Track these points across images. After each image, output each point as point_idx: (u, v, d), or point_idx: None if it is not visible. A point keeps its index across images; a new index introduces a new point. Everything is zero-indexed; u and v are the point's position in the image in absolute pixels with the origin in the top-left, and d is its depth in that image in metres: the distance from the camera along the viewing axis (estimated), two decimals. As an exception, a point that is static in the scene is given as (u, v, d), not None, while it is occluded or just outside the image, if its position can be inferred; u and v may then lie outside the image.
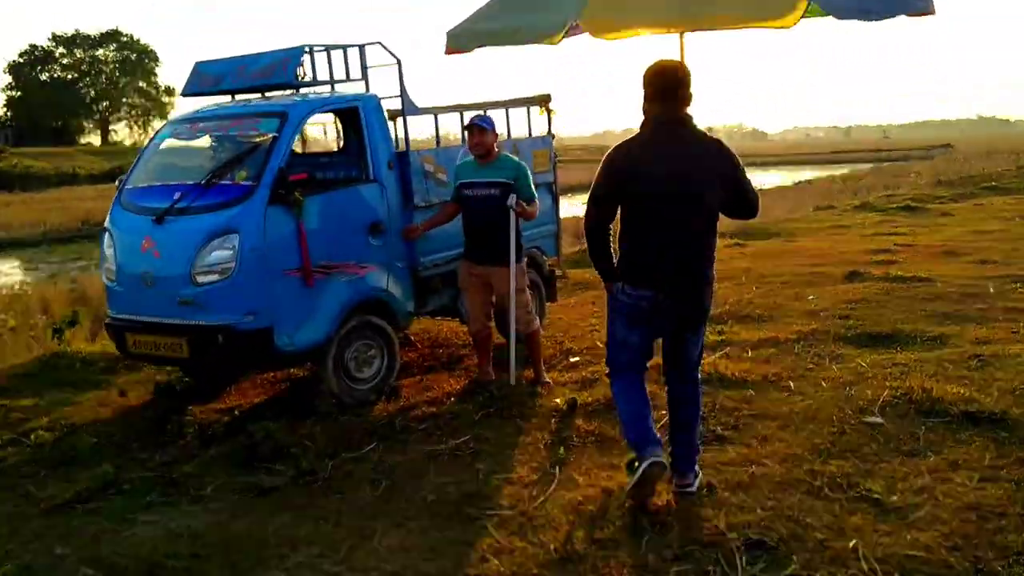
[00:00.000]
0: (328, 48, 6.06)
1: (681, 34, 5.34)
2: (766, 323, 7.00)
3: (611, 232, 3.86)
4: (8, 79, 66.70)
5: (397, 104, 6.11)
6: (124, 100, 72.51)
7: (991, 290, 7.74)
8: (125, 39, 71.36)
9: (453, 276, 6.16)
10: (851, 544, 3.32)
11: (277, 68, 5.78)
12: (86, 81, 69.64)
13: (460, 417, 5.02)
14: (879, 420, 4.58)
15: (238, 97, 6.27)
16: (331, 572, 3.42)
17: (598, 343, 6.57)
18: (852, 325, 6.67)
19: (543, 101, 7.24)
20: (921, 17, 4.91)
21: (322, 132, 7.45)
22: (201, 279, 5.05)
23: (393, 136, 6.23)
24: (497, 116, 6.23)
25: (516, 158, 5.74)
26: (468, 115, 6.51)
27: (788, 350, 6.10)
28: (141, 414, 5.61)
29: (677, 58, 5.21)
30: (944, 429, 4.42)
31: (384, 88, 6.07)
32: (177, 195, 5.28)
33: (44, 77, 67.91)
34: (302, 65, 5.91)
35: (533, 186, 5.62)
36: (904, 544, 3.32)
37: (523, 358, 5.72)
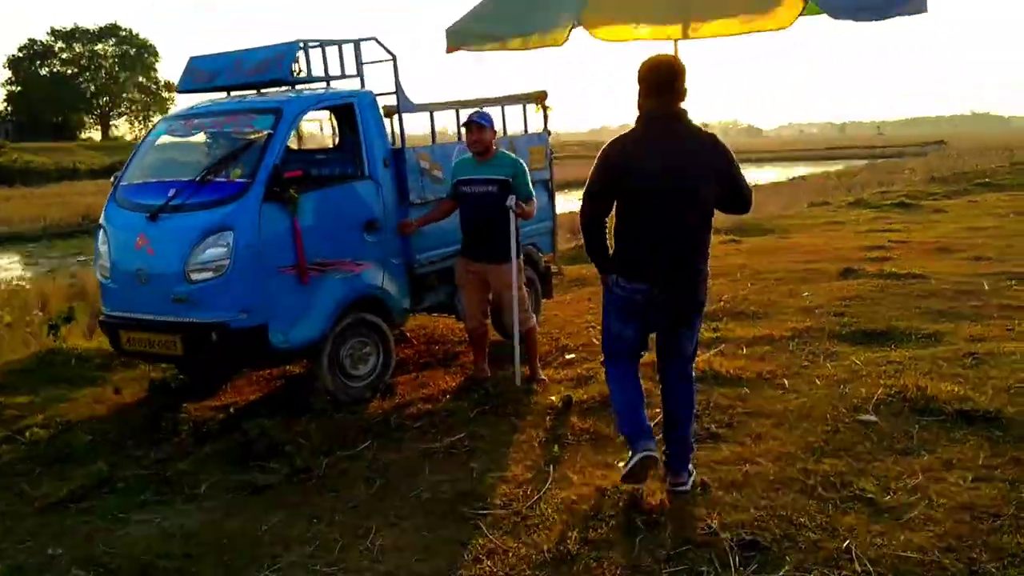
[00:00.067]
0: (323, 44, 6.04)
1: (675, 43, 5.36)
2: (761, 320, 7.00)
3: (607, 226, 3.86)
4: (8, 74, 66.60)
5: (393, 100, 6.10)
6: (124, 95, 72.28)
7: (985, 287, 7.75)
8: (124, 34, 71.12)
9: (449, 273, 6.16)
10: (844, 545, 3.32)
11: (272, 64, 5.76)
12: (86, 76, 69.39)
13: (455, 415, 5.02)
14: (873, 418, 4.58)
15: (234, 93, 6.25)
16: (324, 572, 3.42)
17: (594, 340, 6.57)
18: (846, 322, 6.68)
19: (539, 98, 7.23)
20: (914, 15, 4.90)
21: (318, 129, 7.43)
22: (195, 276, 5.04)
23: (389, 133, 6.22)
24: (493, 113, 6.22)
25: (514, 156, 5.73)
26: (464, 112, 6.51)
27: (783, 347, 6.10)
28: (136, 411, 5.61)
29: (672, 53, 5.20)
30: (938, 428, 4.43)
31: (380, 84, 6.06)
32: (172, 192, 5.27)
33: (44, 72, 67.65)
34: (297, 61, 5.91)
35: (531, 183, 5.61)
36: (898, 545, 3.32)
37: (519, 355, 5.71)
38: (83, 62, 68.96)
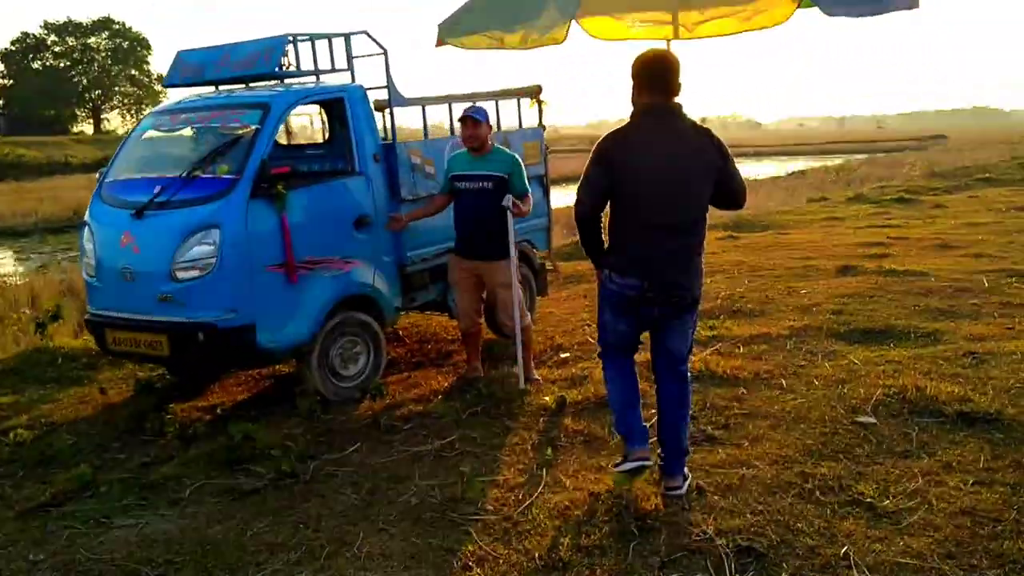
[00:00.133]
0: (312, 38, 5.94)
1: (668, 42, 5.33)
2: (758, 318, 6.91)
3: (602, 221, 3.82)
4: (0, 67, 66.16)
5: (384, 95, 6.00)
6: (116, 89, 71.93)
7: (985, 284, 7.66)
8: (117, 27, 70.76)
9: (441, 271, 6.07)
10: (842, 551, 3.24)
11: (260, 58, 5.66)
12: (78, 69, 69.00)
13: (446, 416, 4.94)
14: (872, 420, 4.50)
15: (223, 87, 6.14)
16: (309, 580, 3.33)
17: (589, 338, 6.49)
18: (845, 320, 6.59)
19: (534, 92, 7.13)
20: (908, 11, 4.84)
21: (308, 123, 7.33)
22: (181, 275, 4.95)
23: (380, 128, 6.12)
24: (487, 108, 6.13)
25: (510, 151, 5.63)
26: (457, 106, 6.41)
27: (780, 346, 6.01)
28: (122, 412, 5.51)
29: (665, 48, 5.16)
30: (938, 429, 4.35)
31: (371, 79, 5.96)
32: (157, 189, 5.17)
33: (36, 66, 67.34)
34: (286, 55, 5.80)
35: (526, 180, 5.52)
36: (896, 551, 3.24)
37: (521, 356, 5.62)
38: (76, 55, 68.54)
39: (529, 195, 5.52)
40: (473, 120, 5.36)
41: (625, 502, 3.69)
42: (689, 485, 3.83)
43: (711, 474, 3.98)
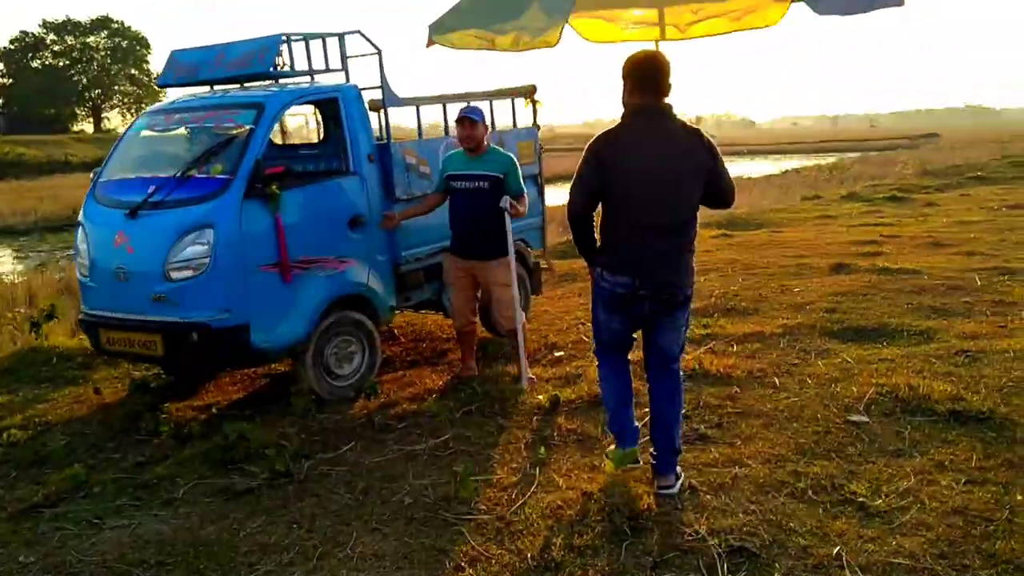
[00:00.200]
0: (307, 37, 5.93)
1: (656, 43, 5.37)
2: (751, 316, 6.93)
3: (594, 220, 3.86)
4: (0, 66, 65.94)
5: (378, 95, 5.99)
6: (116, 88, 71.73)
7: (978, 283, 7.69)
8: (116, 26, 70.55)
9: (436, 270, 6.07)
10: (835, 551, 3.26)
11: (254, 58, 5.65)
12: (78, 68, 68.77)
13: (441, 415, 4.94)
14: (864, 419, 4.52)
15: (217, 87, 6.13)
16: (302, 581, 3.34)
17: (584, 337, 6.50)
18: (838, 319, 6.60)
19: (528, 92, 7.13)
20: (897, 7, 4.87)
21: (304, 123, 7.32)
22: (175, 275, 4.94)
23: (375, 128, 6.11)
24: (481, 107, 6.12)
25: (506, 152, 5.64)
26: (451, 106, 6.42)
27: (773, 344, 6.03)
28: (116, 411, 5.50)
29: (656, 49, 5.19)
30: (930, 428, 4.36)
31: (365, 79, 5.95)
32: (151, 188, 5.16)
33: (36, 64, 67.12)
34: (280, 55, 5.79)
35: (522, 180, 5.53)
36: (889, 551, 3.25)
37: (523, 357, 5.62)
38: (75, 54, 68.36)
39: (525, 195, 5.53)
40: (470, 120, 5.37)
41: (618, 502, 3.69)
42: (682, 484, 3.84)
43: (704, 473, 3.99)
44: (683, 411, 4.13)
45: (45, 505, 4.15)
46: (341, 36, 5.90)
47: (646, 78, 3.63)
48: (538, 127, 7.31)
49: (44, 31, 67.67)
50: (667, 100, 3.67)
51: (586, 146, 3.75)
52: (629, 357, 4.04)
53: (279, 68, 5.80)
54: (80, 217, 5.57)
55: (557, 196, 12.14)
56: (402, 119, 6.51)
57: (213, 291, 4.92)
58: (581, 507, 3.72)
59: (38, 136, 51.68)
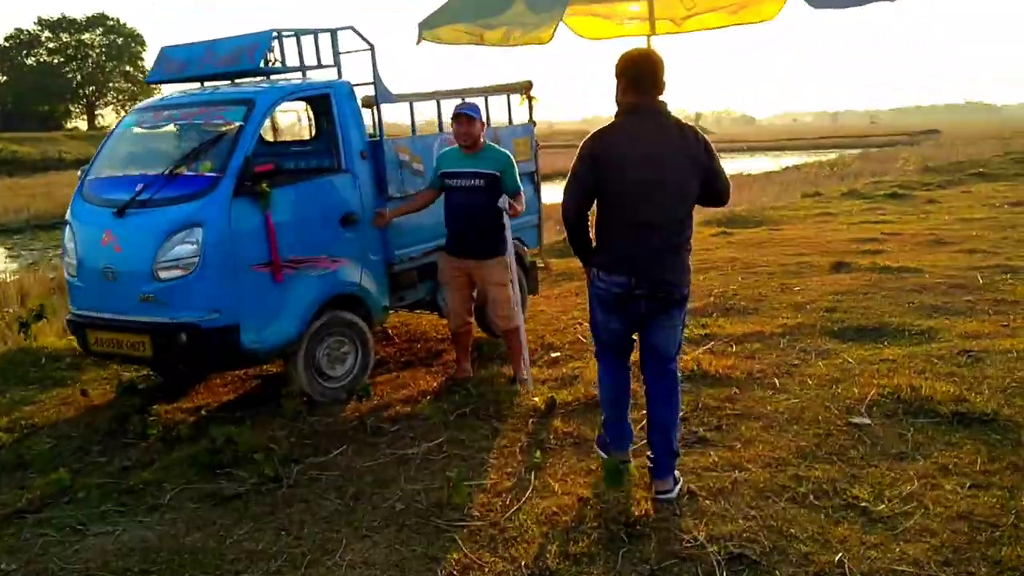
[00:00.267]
0: (298, 33, 5.83)
1: (649, 38, 5.31)
2: (751, 316, 6.84)
3: (589, 220, 3.81)
4: (-6, 63, 65.85)
5: (371, 91, 5.90)
6: (111, 85, 71.62)
7: (980, 281, 7.59)
8: (111, 23, 70.43)
9: (430, 269, 5.98)
10: (836, 558, 3.17)
11: (244, 54, 5.54)
12: (72, 66, 68.68)
13: (434, 418, 4.84)
14: (866, 421, 4.43)
15: (208, 83, 6.04)
16: (289, 590, 3.25)
17: (580, 337, 6.41)
18: (839, 318, 6.51)
19: (524, 88, 7.03)
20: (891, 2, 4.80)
21: (296, 120, 7.22)
22: (163, 274, 4.84)
23: (369, 124, 6.01)
24: (477, 104, 6.03)
25: (503, 149, 5.54)
26: (445, 103, 6.32)
27: (773, 345, 5.94)
28: (104, 414, 5.41)
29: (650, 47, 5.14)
30: (933, 430, 4.28)
31: (358, 75, 5.86)
32: (139, 187, 5.06)
33: (30, 62, 67.01)
34: (271, 50, 5.70)
35: (518, 177, 5.43)
36: (892, 558, 3.17)
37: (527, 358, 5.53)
38: (70, 52, 68.26)
39: (522, 193, 5.44)
40: (467, 117, 5.27)
41: (614, 508, 3.60)
42: (680, 489, 3.76)
43: (702, 477, 3.91)
44: (681, 413, 4.06)
45: (28, 510, 4.06)
46: (333, 32, 5.80)
47: (640, 76, 3.60)
48: (534, 123, 7.21)
49: (39, 28, 67.61)
50: (661, 98, 3.64)
51: (581, 144, 3.71)
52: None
53: (270, 64, 5.70)
54: (68, 216, 5.47)
55: (555, 194, 12.05)
56: (397, 116, 6.43)
57: (202, 291, 4.82)
58: (577, 513, 3.63)
59: (32, 133, 51.67)
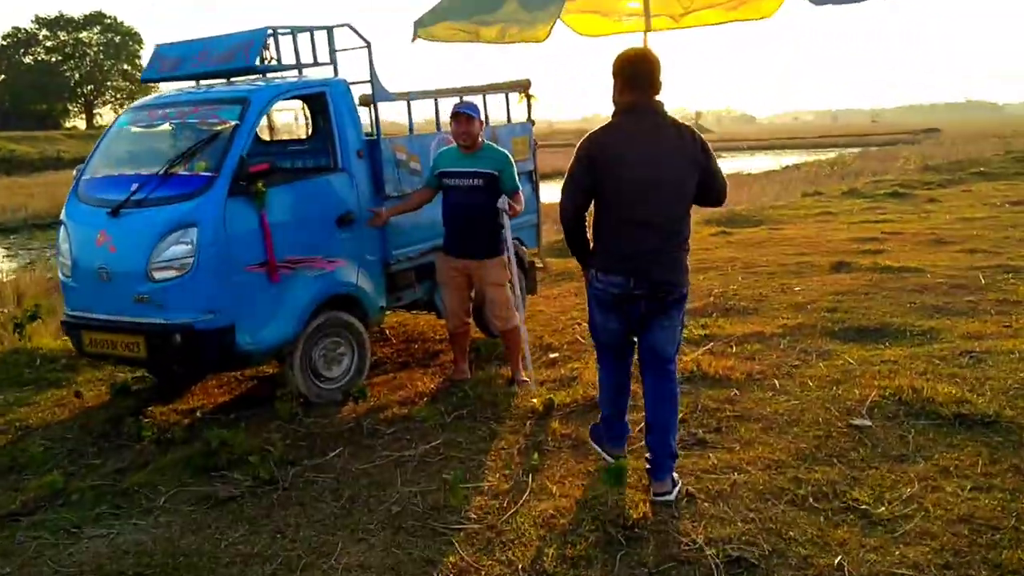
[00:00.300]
0: (294, 31, 5.79)
1: (645, 34, 5.31)
2: (751, 316, 6.80)
3: (587, 220, 3.81)
4: (-8, 62, 65.83)
5: (368, 90, 5.86)
6: (109, 83, 71.61)
7: (982, 281, 7.56)
8: (109, 21, 70.43)
9: (428, 269, 5.95)
10: (836, 561, 3.14)
11: (239, 52, 5.50)
12: (70, 64, 68.68)
13: (431, 419, 4.80)
14: (867, 422, 4.39)
15: (203, 82, 6.00)
16: (283, 594, 3.21)
17: (579, 338, 6.38)
18: (839, 318, 6.47)
19: (523, 87, 6.99)
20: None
21: (293, 119, 7.18)
22: (158, 275, 4.81)
23: (366, 123, 5.98)
24: (475, 102, 5.99)
25: (501, 148, 5.50)
26: (443, 101, 6.28)
27: (773, 345, 5.90)
28: (99, 415, 5.36)
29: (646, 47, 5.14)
30: (935, 432, 4.24)
31: (355, 73, 5.82)
32: (134, 186, 5.03)
33: (28, 60, 67.00)
34: (267, 48, 5.66)
35: (517, 177, 5.40)
36: (892, 561, 3.13)
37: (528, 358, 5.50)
38: (67, 50, 68.25)
39: (520, 192, 5.41)
40: (466, 116, 5.23)
41: (612, 510, 3.56)
42: (679, 491, 3.72)
43: (701, 479, 3.87)
44: (680, 415, 4.04)
45: (22, 513, 4.03)
46: (330, 29, 5.76)
47: (636, 75, 3.59)
48: (533, 122, 7.18)
49: (37, 27, 67.57)
50: (658, 97, 3.62)
51: (578, 145, 3.69)
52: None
53: (266, 62, 5.66)
54: (62, 216, 5.44)
55: (554, 193, 12.01)
56: (394, 114, 6.39)
57: (197, 292, 4.79)
58: (575, 516, 3.59)
59: (30, 132, 51.67)
